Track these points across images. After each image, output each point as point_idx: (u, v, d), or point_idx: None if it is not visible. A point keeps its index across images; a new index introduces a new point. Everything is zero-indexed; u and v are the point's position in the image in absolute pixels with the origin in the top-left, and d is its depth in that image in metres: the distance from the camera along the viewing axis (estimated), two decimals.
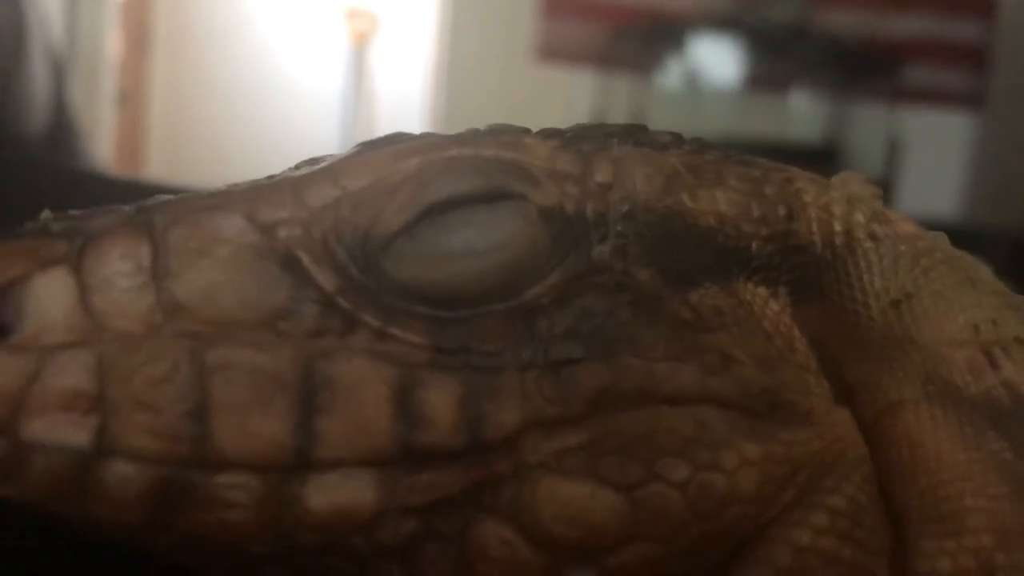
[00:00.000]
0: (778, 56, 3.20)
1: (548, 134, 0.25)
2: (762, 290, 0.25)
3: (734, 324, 0.24)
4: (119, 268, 0.22)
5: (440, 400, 0.22)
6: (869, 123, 3.23)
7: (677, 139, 0.26)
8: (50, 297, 0.21)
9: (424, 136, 0.25)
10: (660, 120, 2.55)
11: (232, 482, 0.21)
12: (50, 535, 0.28)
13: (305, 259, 0.23)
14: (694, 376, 0.23)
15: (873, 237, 0.26)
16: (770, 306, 0.25)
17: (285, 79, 3.82)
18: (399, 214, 0.23)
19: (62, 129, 1.13)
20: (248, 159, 3.66)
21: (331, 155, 0.25)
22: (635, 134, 0.26)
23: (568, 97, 3.21)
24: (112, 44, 3.07)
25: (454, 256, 0.23)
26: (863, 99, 3.29)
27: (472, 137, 0.25)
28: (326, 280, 0.22)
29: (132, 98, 3.48)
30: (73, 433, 0.21)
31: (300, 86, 3.83)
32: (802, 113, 3.36)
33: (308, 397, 0.21)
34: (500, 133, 0.25)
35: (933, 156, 3.29)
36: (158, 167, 3.72)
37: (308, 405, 0.21)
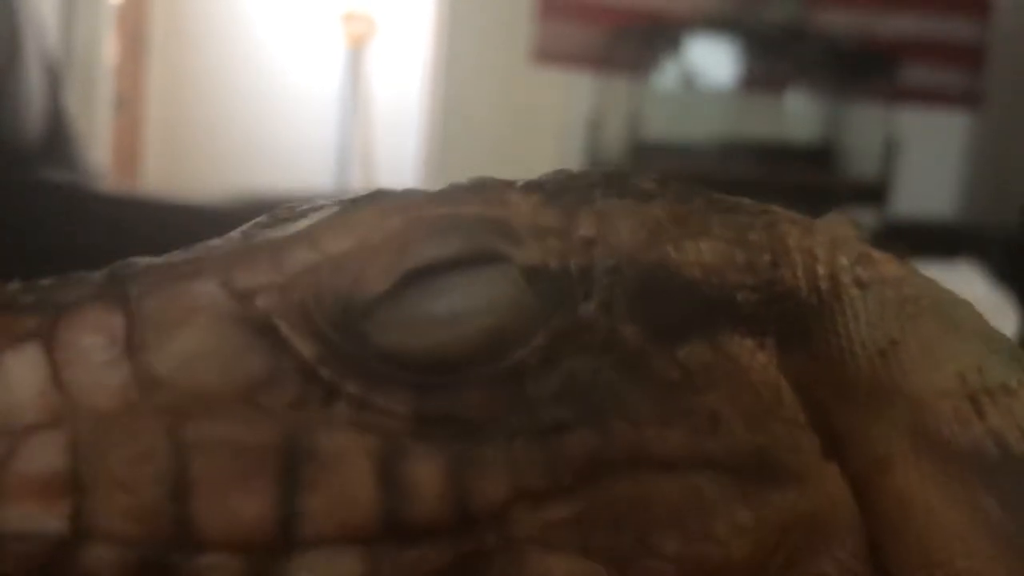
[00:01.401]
0: (775, 57, 3.21)
1: (531, 187, 0.25)
2: (749, 341, 0.24)
3: (722, 380, 0.24)
4: (92, 342, 0.21)
5: (426, 472, 0.21)
6: (866, 123, 3.24)
7: (661, 186, 0.26)
8: (21, 375, 0.21)
9: (407, 194, 0.24)
10: (658, 122, 2.57)
11: (214, 563, 0.21)
12: None
13: (284, 327, 0.22)
14: (684, 440, 0.23)
15: (858, 282, 0.26)
16: (757, 358, 0.24)
17: (282, 82, 3.83)
18: (380, 279, 0.22)
19: (58, 135, 1.13)
20: (246, 162, 3.67)
21: (314, 206, 0.24)
22: (618, 183, 0.25)
23: (566, 99, 3.22)
24: (108, 49, 3.07)
25: (437, 321, 0.22)
26: (860, 99, 3.30)
27: (455, 194, 0.24)
28: (305, 348, 0.22)
29: (129, 103, 3.49)
30: (49, 519, 0.20)
31: (297, 89, 3.84)
32: (799, 113, 3.37)
33: (290, 472, 0.21)
34: (483, 188, 0.24)
35: (930, 155, 3.30)
36: (155, 171, 3.73)
37: (291, 481, 0.21)
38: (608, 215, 0.24)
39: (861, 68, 3.22)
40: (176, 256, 0.23)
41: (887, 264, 0.26)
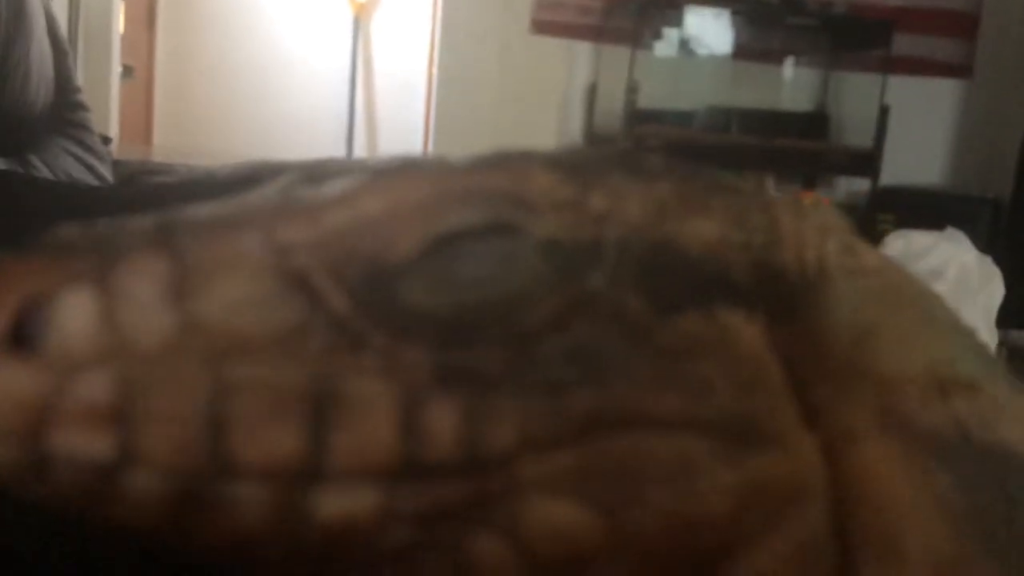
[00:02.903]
0: (770, 26, 3.22)
1: (551, 162, 0.26)
2: (740, 314, 0.26)
3: (714, 349, 0.25)
4: (141, 286, 0.23)
5: (443, 418, 0.23)
6: (860, 92, 3.25)
7: (670, 165, 0.27)
8: (75, 313, 0.22)
9: (436, 163, 0.26)
10: (656, 90, 2.58)
11: (247, 491, 0.22)
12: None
13: (319, 280, 0.23)
14: (677, 403, 0.24)
15: (844, 268, 0.27)
16: (747, 330, 0.26)
17: (288, 51, 3.85)
18: (410, 242, 0.24)
19: (65, 104, 1.14)
20: (253, 131, 3.71)
21: (348, 167, 0.26)
22: (631, 162, 0.27)
23: (565, 68, 3.24)
24: (116, 18, 3.09)
25: (460, 284, 0.24)
26: (854, 68, 3.31)
27: (481, 166, 0.26)
28: (338, 301, 0.23)
29: (137, 73, 3.51)
30: (96, 445, 0.21)
31: (303, 58, 3.85)
32: (794, 82, 3.38)
33: (320, 412, 0.22)
34: (507, 162, 0.26)
35: (922, 124, 3.31)
36: (164, 141, 3.77)
37: (320, 420, 0.22)
38: (619, 192, 0.26)
39: (855, 38, 3.24)
40: (222, 207, 0.25)
41: (870, 255, 0.28)
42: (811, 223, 0.28)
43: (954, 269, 1.84)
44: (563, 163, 0.26)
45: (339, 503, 0.22)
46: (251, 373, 0.22)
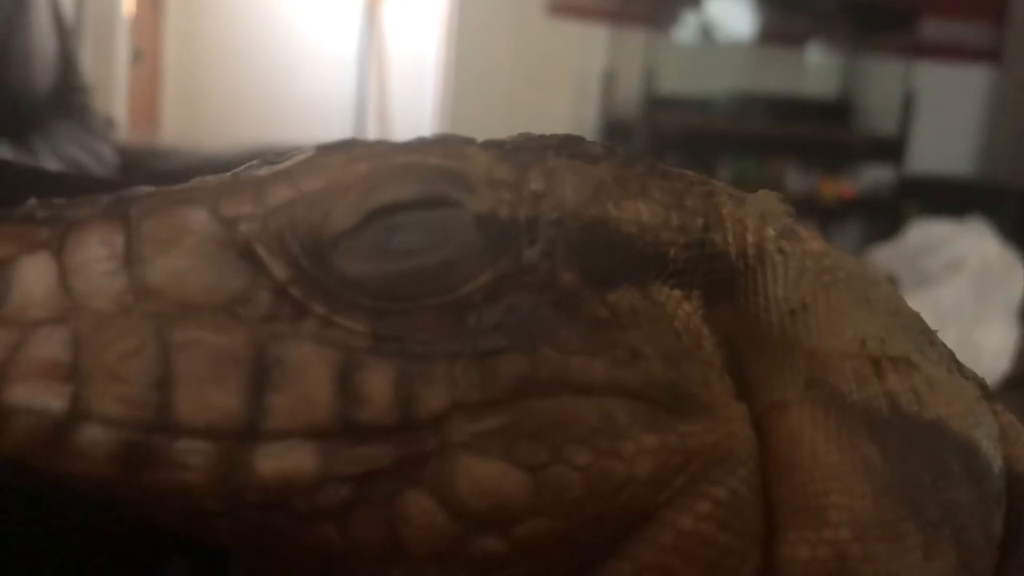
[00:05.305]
0: (793, 10, 3.17)
1: (490, 144, 0.27)
2: (676, 292, 0.27)
3: (647, 323, 0.26)
4: (96, 253, 0.24)
5: (377, 382, 0.24)
6: (884, 78, 3.20)
7: (608, 152, 0.28)
8: (34, 277, 0.23)
9: (376, 143, 0.27)
10: (674, 75, 2.53)
11: (190, 447, 0.23)
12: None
13: (262, 251, 0.25)
14: (604, 369, 0.25)
15: (781, 251, 0.28)
16: (683, 307, 0.27)
17: (299, 37, 3.82)
18: (347, 215, 0.25)
19: (68, 86, 1.13)
20: (262, 117, 3.67)
21: (297, 151, 0.27)
22: (570, 146, 0.28)
23: (581, 53, 3.20)
24: (126, 2, 3.07)
25: (395, 255, 0.25)
26: (879, 53, 3.25)
27: (419, 145, 0.27)
28: (280, 271, 0.24)
29: (146, 57, 3.49)
30: (51, 399, 0.23)
31: (313, 45, 3.82)
32: (817, 68, 3.33)
33: (260, 375, 0.23)
34: (445, 142, 0.27)
35: (948, 111, 3.26)
36: (172, 126, 3.74)
37: (259, 382, 0.23)
38: (557, 173, 0.27)
39: (880, 22, 3.18)
40: (175, 188, 0.26)
41: (811, 240, 0.29)
42: (751, 209, 0.29)
43: (975, 260, 1.80)
44: (501, 145, 0.27)
45: (278, 461, 0.23)
46: (196, 336, 0.24)
